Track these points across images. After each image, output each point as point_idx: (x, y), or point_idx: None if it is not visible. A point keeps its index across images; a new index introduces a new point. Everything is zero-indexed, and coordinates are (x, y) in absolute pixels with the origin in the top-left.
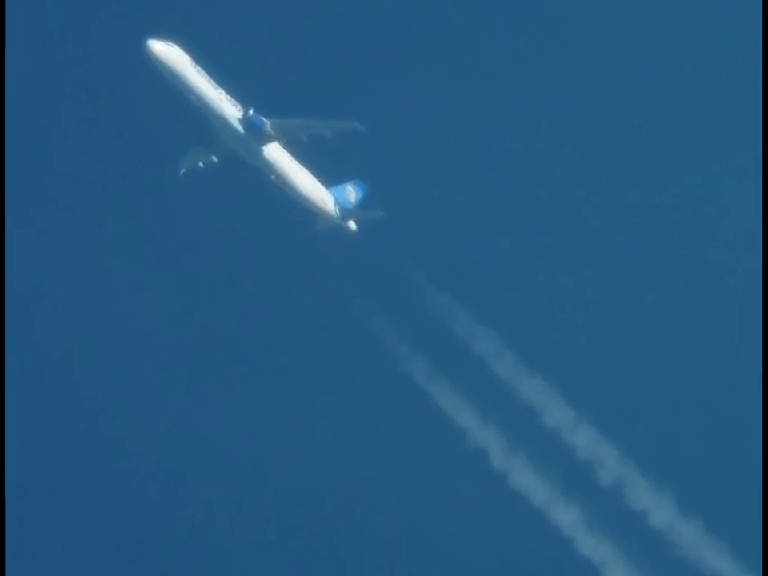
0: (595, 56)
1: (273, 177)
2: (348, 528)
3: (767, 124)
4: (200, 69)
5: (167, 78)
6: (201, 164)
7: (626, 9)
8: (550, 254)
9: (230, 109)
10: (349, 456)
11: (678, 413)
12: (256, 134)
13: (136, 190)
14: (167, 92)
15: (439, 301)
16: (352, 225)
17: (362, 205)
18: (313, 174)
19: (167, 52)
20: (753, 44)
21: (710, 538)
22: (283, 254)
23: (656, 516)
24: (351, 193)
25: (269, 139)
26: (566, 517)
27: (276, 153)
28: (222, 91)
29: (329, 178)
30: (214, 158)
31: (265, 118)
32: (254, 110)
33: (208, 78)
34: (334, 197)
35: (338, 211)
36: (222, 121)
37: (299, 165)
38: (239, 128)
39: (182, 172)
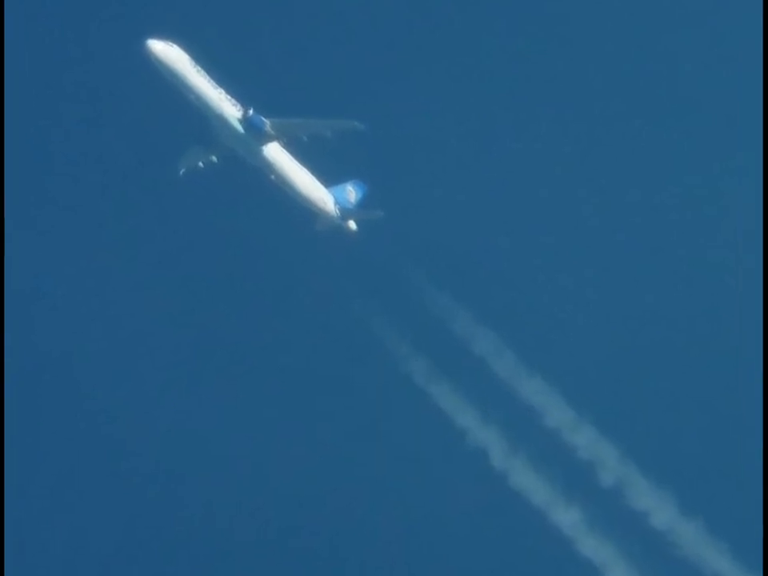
0: (595, 56)
1: (273, 176)
2: (348, 528)
3: (767, 124)
4: (200, 68)
5: (167, 77)
6: (200, 164)
7: (625, 9)
8: (549, 254)
9: (229, 108)
10: (349, 456)
11: (678, 413)
12: (256, 134)
13: (136, 189)
14: (167, 92)
15: (439, 301)
16: (352, 225)
17: (362, 205)
18: (313, 173)
19: (167, 51)
20: (753, 44)
21: (711, 538)
22: (283, 253)
23: (656, 516)
24: (351, 193)
25: (268, 139)
26: (567, 517)
27: (276, 152)
28: (222, 91)
29: (329, 178)
30: (214, 158)
31: (264, 117)
32: (254, 110)
33: (208, 77)
34: (334, 197)
35: (337, 211)
36: (221, 120)
37: (299, 164)
38: (239, 128)
39: (181, 172)
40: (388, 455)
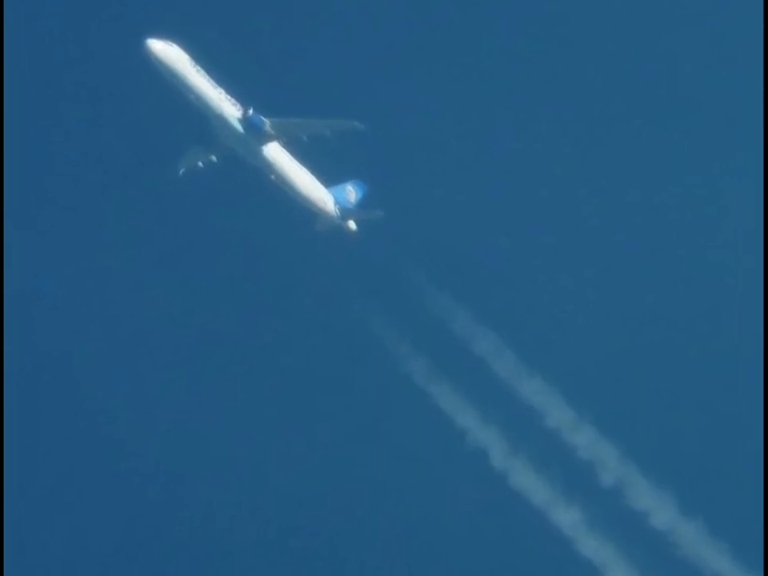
0: (595, 56)
1: (272, 176)
2: (348, 528)
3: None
4: (199, 68)
5: (166, 77)
6: (200, 164)
7: (626, 9)
8: (550, 254)
9: (229, 108)
10: (349, 456)
11: (678, 413)
12: (256, 134)
13: (135, 189)
14: (166, 91)
15: (439, 301)
16: (352, 225)
17: (362, 204)
18: (313, 173)
19: (166, 51)
20: (753, 44)
21: (711, 538)
22: (283, 253)
23: (657, 516)
24: (351, 192)
25: (268, 139)
26: (567, 517)
27: (276, 152)
28: (222, 90)
29: (329, 178)
30: (214, 158)
31: (264, 117)
32: (254, 110)
33: (207, 77)
34: (334, 196)
35: (337, 211)
36: (221, 120)
37: (299, 164)
38: (239, 127)
39: (181, 172)
40: (388, 455)
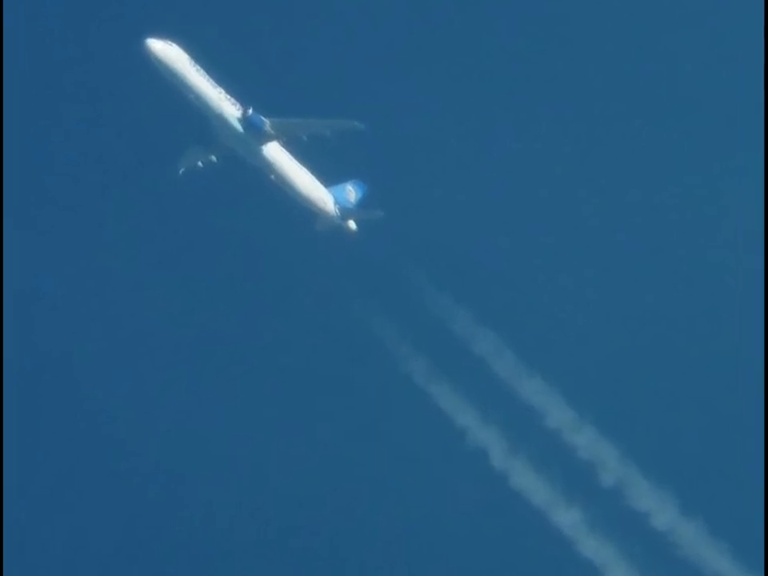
0: (595, 56)
1: (272, 176)
2: (348, 528)
3: None
4: (199, 68)
5: (166, 77)
6: (200, 163)
7: (626, 9)
8: (550, 254)
9: (229, 108)
10: (349, 456)
11: (678, 413)
12: (255, 134)
13: (135, 189)
14: (166, 91)
15: (439, 301)
16: (352, 224)
17: (362, 204)
18: (312, 173)
19: (166, 51)
20: (754, 43)
21: (712, 538)
22: (283, 253)
23: (657, 517)
24: (351, 192)
25: (268, 138)
26: (567, 518)
27: (275, 152)
28: (222, 90)
29: (328, 178)
30: (214, 158)
31: (264, 117)
32: (254, 109)
33: (207, 76)
34: (334, 196)
35: (337, 211)
36: (221, 120)
37: (299, 164)
38: (238, 127)
39: (181, 171)
40: (388, 455)
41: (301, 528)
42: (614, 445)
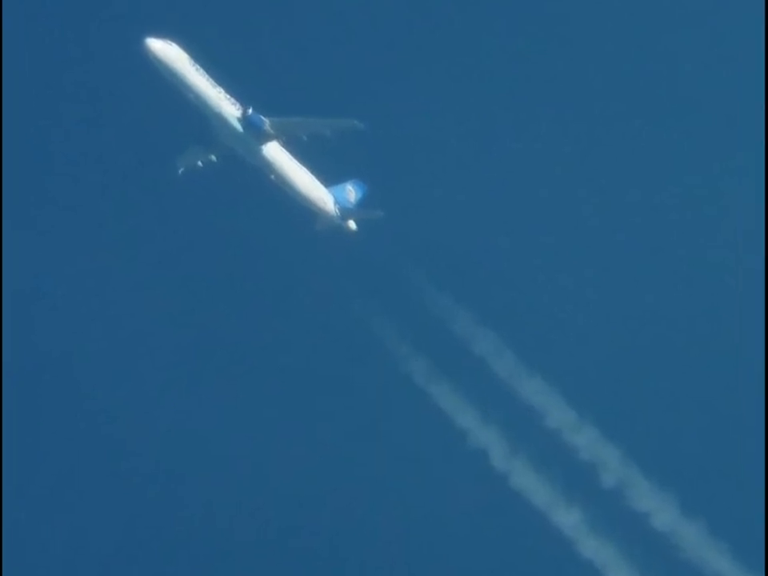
0: (595, 56)
1: (272, 176)
2: (348, 528)
3: None
4: (199, 67)
5: (166, 76)
6: (199, 163)
7: (626, 9)
8: (550, 254)
9: (228, 107)
10: (349, 456)
11: (679, 414)
12: (255, 133)
13: (135, 189)
14: (166, 91)
15: (439, 301)
16: (352, 224)
17: (362, 204)
18: (312, 173)
19: (166, 50)
20: (754, 43)
21: (713, 539)
22: (283, 253)
23: (658, 517)
24: (351, 192)
25: (268, 138)
26: (568, 518)
27: (275, 152)
28: (221, 90)
29: (328, 177)
30: (213, 157)
31: (264, 116)
32: (253, 109)
33: (207, 76)
34: (334, 196)
35: (337, 211)
36: (220, 119)
37: (298, 164)
38: (238, 127)
39: (180, 171)
40: (388, 455)
41: (301, 528)
42: (615, 445)
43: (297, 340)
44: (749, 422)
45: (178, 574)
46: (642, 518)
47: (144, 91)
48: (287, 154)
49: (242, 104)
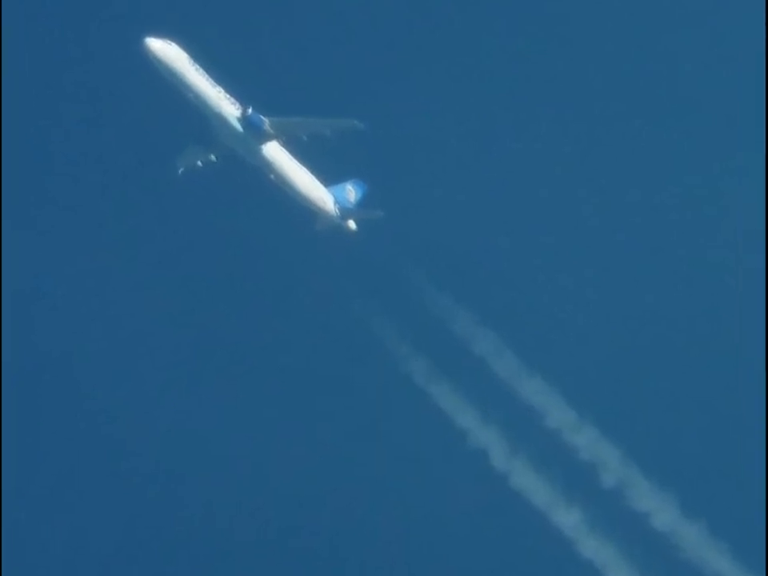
0: (595, 56)
1: (272, 176)
2: (348, 528)
3: None
4: (198, 67)
5: (165, 76)
6: (199, 163)
7: (626, 9)
8: (549, 254)
9: (228, 107)
10: (349, 456)
11: (680, 414)
12: (255, 133)
13: (135, 189)
14: (165, 90)
15: (439, 301)
16: (352, 224)
17: (362, 204)
18: (312, 172)
19: (165, 50)
20: (754, 42)
21: (713, 539)
22: (283, 253)
23: (658, 518)
24: (351, 192)
25: (268, 138)
26: (568, 518)
27: (275, 152)
28: (221, 89)
29: (328, 177)
30: (213, 157)
31: (264, 116)
32: (253, 109)
33: (206, 76)
34: (334, 196)
35: (337, 210)
36: (220, 119)
37: (298, 164)
38: (238, 126)
39: (180, 171)
40: (388, 455)
41: (301, 528)
42: (615, 445)
43: (297, 340)
44: (749, 422)
45: (178, 574)
46: (642, 518)
47: (144, 91)
48: (287, 153)
49: (241, 104)
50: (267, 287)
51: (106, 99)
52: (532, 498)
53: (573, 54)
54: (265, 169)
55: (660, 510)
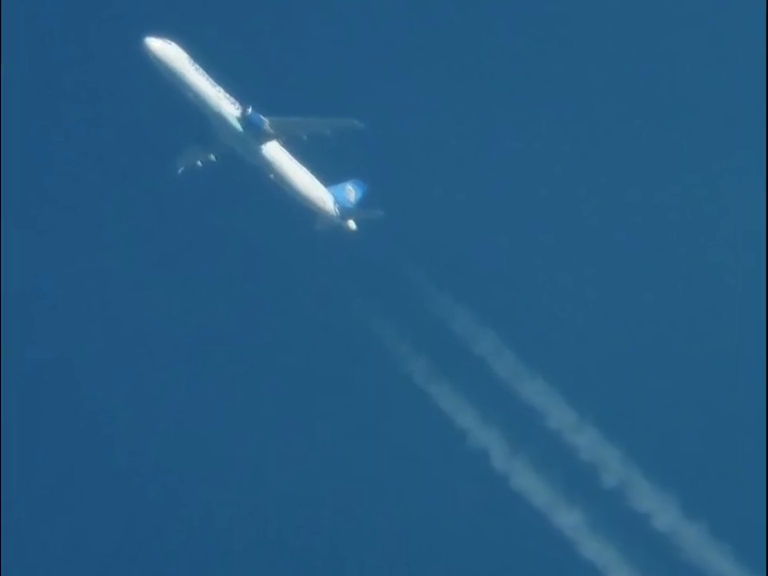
0: (595, 56)
1: (272, 176)
2: (348, 528)
3: None
4: (198, 66)
5: (165, 75)
6: (199, 163)
7: (626, 9)
8: (549, 254)
9: (228, 107)
10: (349, 456)
11: (681, 414)
12: (255, 133)
13: (134, 189)
14: (165, 90)
15: (439, 300)
16: (352, 224)
17: (362, 204)
18: (312, 172)
19: (165, 50)
20: (754, 42)
21: (714, 540)
22: (283, 253)
23: (659, 518)
24: (351, 192)
25: (267, 138)
26: (569, 519)
27: (275, 151)
28: (221, 89)
29: (328, 177)
30: (213, 157)
31: (263, 116)
32: (253, 108)
33: (206, 75)
34: (334, 196)
35: (337, 210)
36: (220, 119)
37: (298, 163)
38: (238, 126)
39: (180, 171)
40: (388, 455)
41: (301, 528)
42: (616, 445)
43: (297, 340)
44: (750, 422)
45: (178, 574)
46: (643, 518)
47: (143, 91)
48: (287, 153)
49: (241, 103)
50: (267, 287)
51: (105, 99)
52: (532, 498)
53: (573, 54)
54: (264, 168)
55: (661, 511)
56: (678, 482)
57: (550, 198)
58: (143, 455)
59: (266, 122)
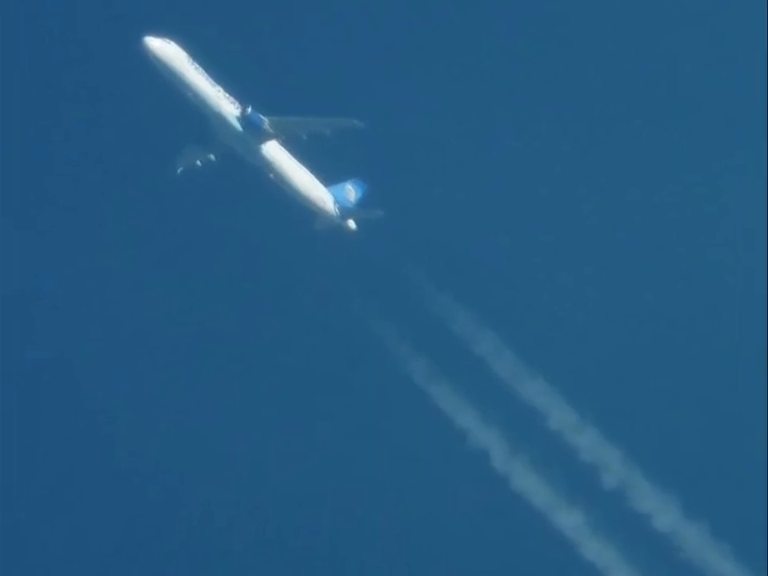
0: (595, 56)
1: (271, 175)
2: (348, 528)
3: None
4: (197, 66)
5: (164, 75)
6: (199, 162)
7: (626, 9)
8: (549, 253)
9: (227, 106)
10: (349, 456)
11: (681, 414)
12: (254, 132)
13: (134, 188)
14: (165, 89)
15: (439, 300)
16: (351, 224)
17: (362, 204)
18: (312, 172)
19: (164, 49)
20: (754, 42)
21: (715, 540)
22: (282, 253)
23: (660, 519)
24: (351, 191)
25: (267, 137)
26: (569, 520)
27: (275, 151)
28: (220, 89)
29: (328, 177)
30: (212, 157)
31: (263, 115)
32: (253, 108)
33: (206, 75)
34: (334, 195)
35: (337, 210)
36: (219, 119)
37: (298, 163)
38: (237, 126)
39: (179, 170)
40: (388, 455)
41: (301, 528)
42: (617, 446)
43: (296, 340)
44: (750, 422)
45: (178, 574)
46: (643, 519)
47: (143, 90)
48: (286, 153)
49: (241, 103)
50: (267, 287)
51: (105, 99)
52: (533, 499)
53: (573, 54)
54: (264, 168)
55: (662, 511)
56: (679, 483)
57: (550, 198)
58: (143, 455)
59: (265, 121)
